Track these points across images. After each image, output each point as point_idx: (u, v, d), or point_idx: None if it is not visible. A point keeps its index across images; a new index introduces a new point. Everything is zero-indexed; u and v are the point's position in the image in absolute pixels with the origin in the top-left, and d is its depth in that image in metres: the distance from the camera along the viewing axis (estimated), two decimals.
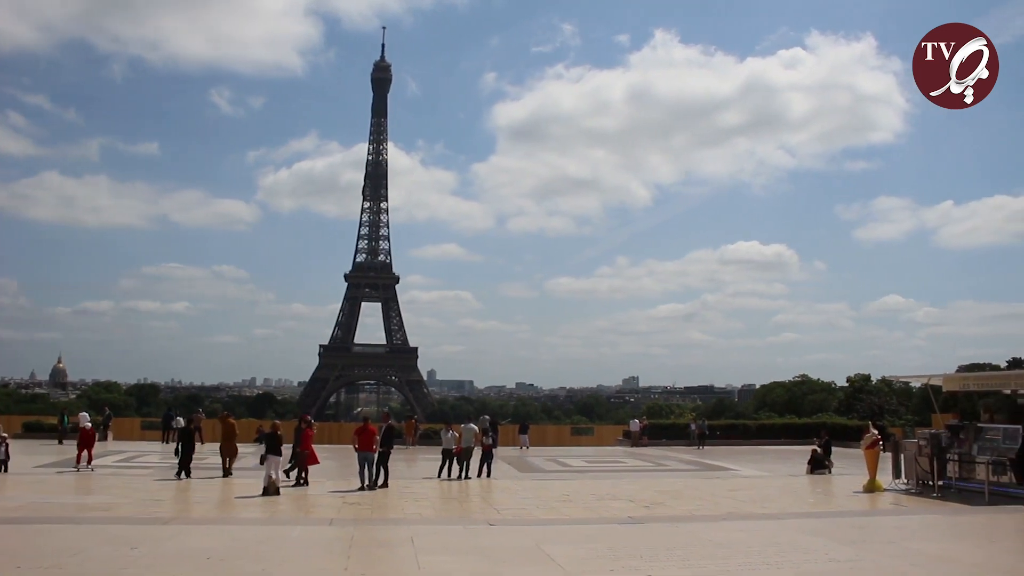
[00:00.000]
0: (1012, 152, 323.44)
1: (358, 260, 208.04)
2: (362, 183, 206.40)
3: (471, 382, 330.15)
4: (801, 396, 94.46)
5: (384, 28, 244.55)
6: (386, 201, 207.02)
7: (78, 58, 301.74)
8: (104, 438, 38.36)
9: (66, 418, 40.24)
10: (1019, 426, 19.08)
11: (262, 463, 20.17)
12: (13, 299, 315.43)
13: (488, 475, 24.74)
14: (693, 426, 45.63)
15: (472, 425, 25.64)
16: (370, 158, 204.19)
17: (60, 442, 36.63)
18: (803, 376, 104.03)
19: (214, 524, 15.31)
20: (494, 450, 26.23)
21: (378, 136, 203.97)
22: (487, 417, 35.40)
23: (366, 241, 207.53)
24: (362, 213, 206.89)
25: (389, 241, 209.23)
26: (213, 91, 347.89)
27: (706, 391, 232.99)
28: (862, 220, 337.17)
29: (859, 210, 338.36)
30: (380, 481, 21.09)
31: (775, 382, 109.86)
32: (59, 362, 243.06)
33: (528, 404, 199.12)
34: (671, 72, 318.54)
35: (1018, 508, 17.15)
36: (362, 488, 20.45)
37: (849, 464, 27.17)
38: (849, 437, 37.33)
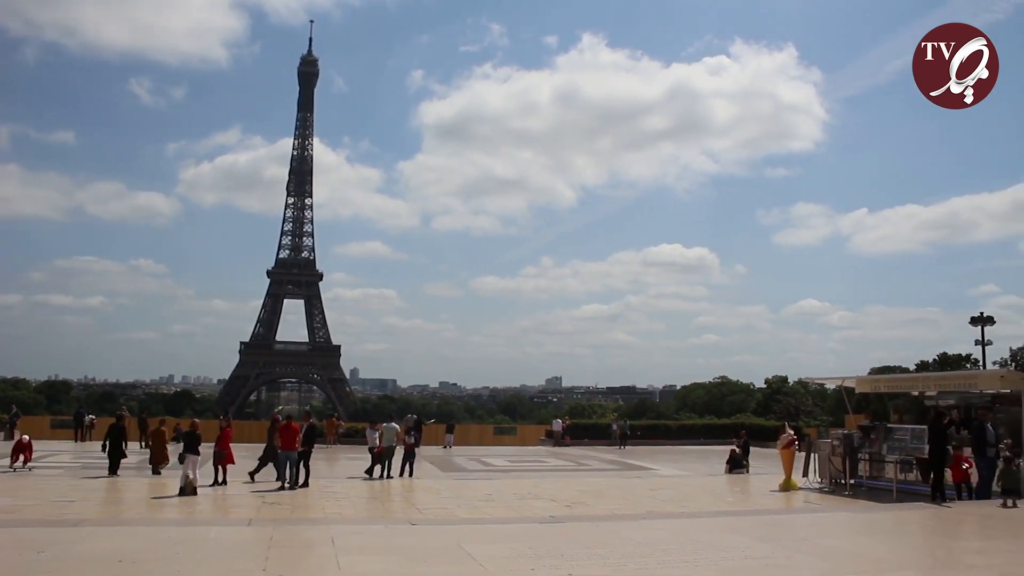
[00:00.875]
0: (923, 163, 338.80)
1: (281, 256, 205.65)
2: (286, 178, 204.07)
3: (394, 381, 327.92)
4: (721, 397, 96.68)
5: (312, 22, 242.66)
6: (311, 197, 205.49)
7: None
8: (11, 437, 37.24)
9: None
10: (925, 427, 19.84)
11: (181, 462, 19.71)
12: None
13: (411, 475, 24.65)
14: (615, 426, 46.28)
15: (394, 424, 25.54)
16: (295, 153, 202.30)
17: None
18: (723, 377, 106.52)
19: (128, 525, 14.86)
20: (417, 449, 26.16)
21: (304, 131, 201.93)
22: (413, 416, 35.28)
23: (290, 237, 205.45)
24: (286, 209, 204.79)
25: (313, 238, 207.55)
26: (133, 81, 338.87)
27: (628, 392, 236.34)
28: (781, 225, 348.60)
29: (778, 216, 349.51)
30: (301, 480, 20.85)
31: (696, 383, 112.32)
32: None
33: (451, 403, 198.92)
34: (598, 75, 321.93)
35: (923, 505, 17.80)
36: (282, 487, 20.22)
37: (766, 464, 27.84)
38: (767, 437, 38.31)
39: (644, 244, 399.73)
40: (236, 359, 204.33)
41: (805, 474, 22.77)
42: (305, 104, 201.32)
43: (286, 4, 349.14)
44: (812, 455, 23.08)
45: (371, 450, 24.64)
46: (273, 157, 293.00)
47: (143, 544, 12.54)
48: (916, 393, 24.10)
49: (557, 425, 47.15)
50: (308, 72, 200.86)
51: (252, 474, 22.53)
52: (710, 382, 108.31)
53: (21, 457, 24.84)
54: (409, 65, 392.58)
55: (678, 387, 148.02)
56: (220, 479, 21.04)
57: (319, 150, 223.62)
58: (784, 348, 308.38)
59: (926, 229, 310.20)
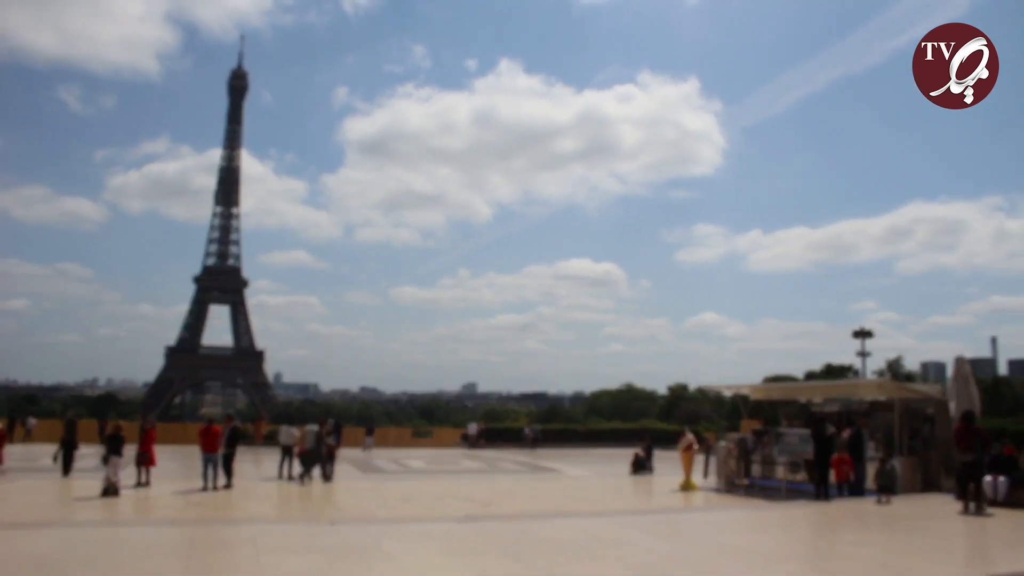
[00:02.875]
0: (812, 190, 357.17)
1: (208, 263, 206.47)
2: (215, 188, 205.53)
3: (316, 385, 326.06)
4: (627, 403, 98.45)
5: (243, 37, 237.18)
6: (237, 207, 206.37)
7: None
8: None
9: None
10: (809, 431, 21.20)
11: (105, 463, 19.64)
12: None
13: (331, 476, 24.92)
14: (527, 430, 47.17)
15: (314, 427, 25.72)
16: (223, 164, 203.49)
17: None
18: (629, 385, 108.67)
19: (47, 527, 14.72)
20: (338, 451, 26.41)
21: (232, 142, 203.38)
22: (332, 420, 35.44)
23: (216, 245, 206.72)
24: (213, 217, 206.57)
25: (239, 246, 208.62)
26: (62, 87, 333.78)
27: (540, 397, 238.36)
28: (683, 243, 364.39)
29: (681, 234, 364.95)
30: (223, 482, 20.99)
31: (603, 390, 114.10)
32: None
33: (372, 407, 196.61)
34: (514, 99, 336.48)
35: (808, 502, 19.00)
36: (205, 489, 20.36)
37: (668, 466, 28.79)
38: (669, 441, 39.46)
39: (555, 258, 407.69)
40: (162, 363, 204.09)
41: (704, 475, 24.03)
42: (234, 116, 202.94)
43: (218, 20, 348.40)
44: (710, 457, 24.36)
45: (284, 448, 24.81)
46: (201, 167, 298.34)
47: (62, 546, 12.47)
48: (804, 400, 25.67)
49: (472, 429, 47.83)
50: (238, 86, 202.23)
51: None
52: (616, 389, 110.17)
53: None
54: (335, 82, 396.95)
55: (587, 393, 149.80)
56: (143, 480, 21.10)
57: (247, 161, 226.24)
58: (685, 358, 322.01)
59: (813, 250, 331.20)
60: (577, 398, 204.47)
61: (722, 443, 24.08)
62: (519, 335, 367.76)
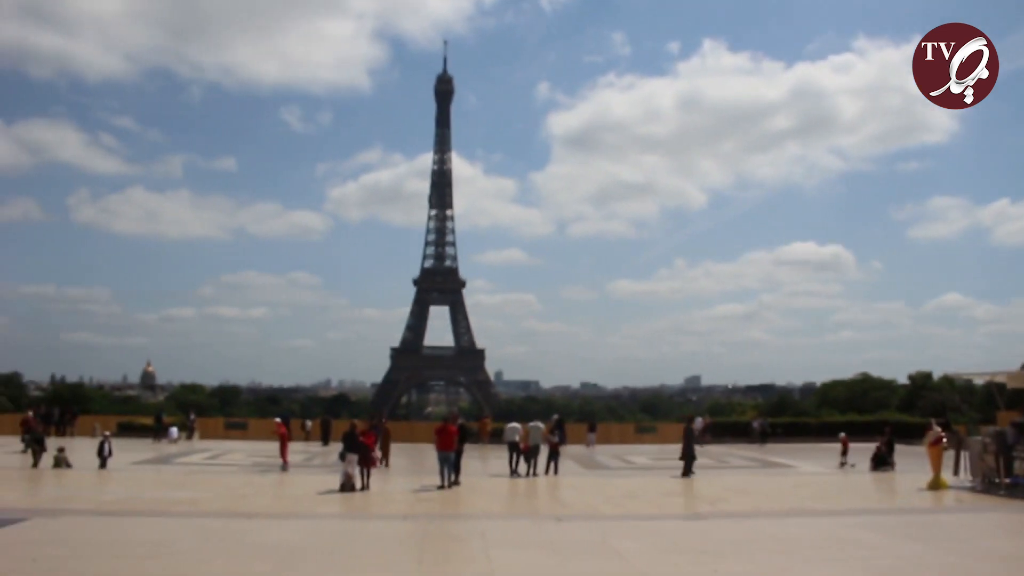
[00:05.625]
0: None
1: (426, 266, 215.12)
2: (427, 192, 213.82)
3: (537, 382, 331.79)
4: (862, 393, 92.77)
5: (446, 42, 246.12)
6: (451, 208, 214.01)
7: (161, 84, 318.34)
8: (190, 437, 41.13)
9: (163, 416, 42.95)
10: None
11: (342, 460, 20.52)
12: (105, 307, 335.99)
13: (555, 472, 25.10)
14: (755, 424, 45.53)
15: (539, 424, 26.01)
16: (435, 168, 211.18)
17: (155, 440, 38.83)
18: (864, 374, 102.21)
19: (295, 519, 15.78)
20: (561, 448, 26.63)
21: (442, 146, 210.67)
22: (556, 416, 35.87)
23: (433, 247, 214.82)
24: (428, 221, 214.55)
25: (455, 247, 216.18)
26: (284, 109, 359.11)
27: (767, 389, 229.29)
28: (916, 219, 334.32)
29: (913, 210, 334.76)
30: (453, 479, 21.53)
31: (836, 380, 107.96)
32: (148, 366, 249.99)
33: (592, 403, 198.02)
34: (720, 79, 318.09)
35: None
36: (441, 486, 20.59)
37: (912, 461, 26.90)
38: (912, 434, 36.84)
39: (776, 243, 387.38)
40: (388, 364, 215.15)
41: (955, 472, 21.98)
42: (442, 121, 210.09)
43: (422, 31, 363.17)
44: (962, 453, 22.26)
45: (511, 445, 25.30)
46: (413, 172, 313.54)
47: (307, 536, 13.46)
48: None
49: (697, 423, 46.75)
50: (444, 90, 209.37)
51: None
52: (851, 379, 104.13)
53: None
54: (536, 78, 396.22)
55: (817, 384, 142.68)
56: (365, 484, 20.68)
57: (457, 164, 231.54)
58: (925, 344, 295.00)
59: None
60: (807, 389, 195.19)
61: (977, 437, 22.01)
62: (742, 325, 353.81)
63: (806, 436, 45.44)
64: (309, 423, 44.43)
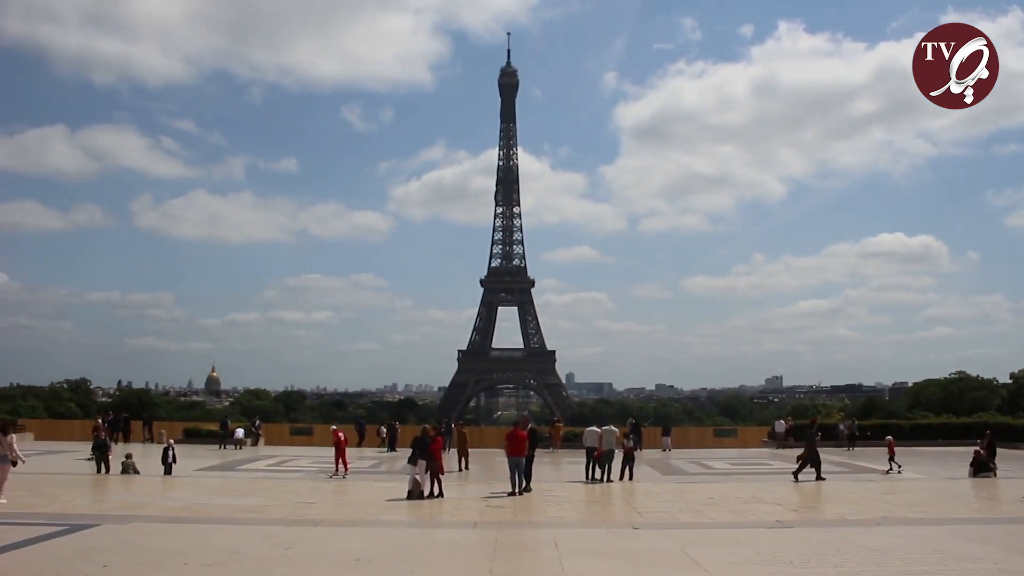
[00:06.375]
0: None
1: (493, 265, 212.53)
2: (492, 189, 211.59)
3: (610, 384, 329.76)
4: (959, 394, 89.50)
5: (509, 34, 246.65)
6: (518, 206, 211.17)
7: (221, 86, 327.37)
8: (255, 443, 41.37)
9: (228, 422, 43.07)
10: None
11: (412, 464, 20.00)
12: (169, 312, 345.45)
13: (630, 478, 24.57)
14: (842, 426, 43.98)
15: (613, 427, 25.43)
16: (501, 164, 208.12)
17: (221, 447, 38.87)
18: (960, 373, 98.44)
19: (362, 526, 15.69)
20: (636, 452, 26.02)
21: (508, 141, 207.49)
22: (632, 419, 35.23)
23: (500, 246, 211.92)
24: (495, 218, 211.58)
25: (523, 245, 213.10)
26: (344, 108, 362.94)
27: (854, 390, 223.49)
28: (1017, 206, 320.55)
29: (1013, 196, 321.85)
30: (524, 485, 21.14)
31: (929, 379, 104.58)
32: (212, 371, 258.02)
33: (668, 406, 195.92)
34: (796, 63, 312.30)
35: None
36: (512, 493, 20.22)
37: (1017, 467, 25.66)
38: (1016, 438, 35.11)
39: (861, 235, 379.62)
40: (455, 367, 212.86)
41: None
42: (507, 115, 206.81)
43: (484, 24, 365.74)
44: None
45: (590, 450, 24.78)
46: (477, 169, 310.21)
47: (376, 544, 13.30)
48: None
49: (780, 426, 45.44)
50: (508, 83, 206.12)
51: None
52: (946, 378, 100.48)
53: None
54: (603, 68, 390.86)
55: (909, 384, 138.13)
56: (435, 491, 20.06)
57: (523, 159, 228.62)
58: None
59: None
60: (897, 389, 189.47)
61: None
62: (826, 322, 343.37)
63: (897, 440, 43.67)
64: (384, 429, 44.74)
